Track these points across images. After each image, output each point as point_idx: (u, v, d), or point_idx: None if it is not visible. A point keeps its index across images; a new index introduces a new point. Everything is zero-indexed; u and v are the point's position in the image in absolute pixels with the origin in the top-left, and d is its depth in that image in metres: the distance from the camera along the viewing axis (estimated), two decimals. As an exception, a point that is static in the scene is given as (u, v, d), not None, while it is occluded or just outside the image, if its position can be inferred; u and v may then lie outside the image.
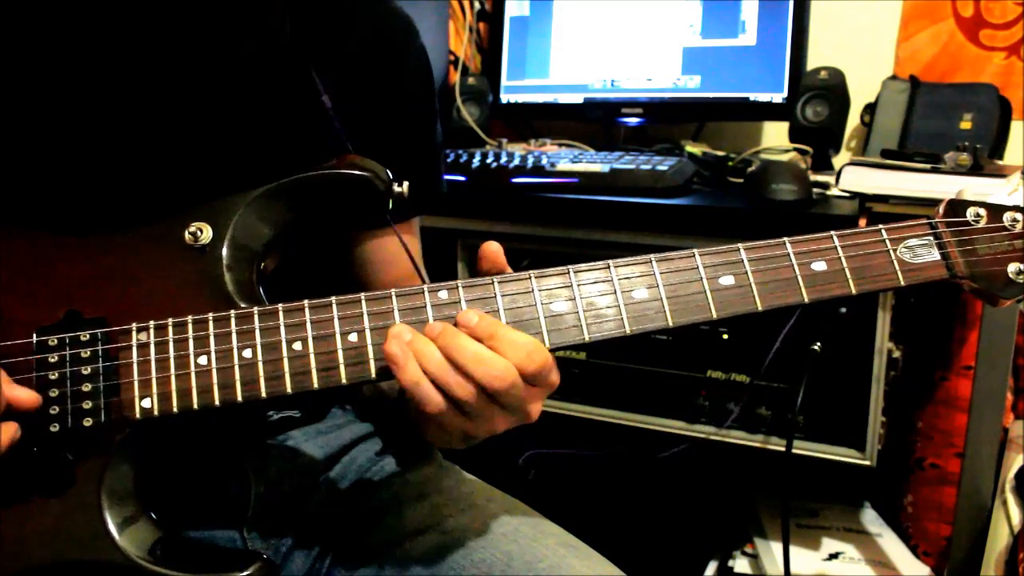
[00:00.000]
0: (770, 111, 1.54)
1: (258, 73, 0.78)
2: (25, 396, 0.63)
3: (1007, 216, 0.68)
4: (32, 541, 0.63)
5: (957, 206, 0.68)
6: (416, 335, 0.61)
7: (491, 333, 0.60)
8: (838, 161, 1.38)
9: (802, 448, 1.22)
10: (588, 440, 1.48)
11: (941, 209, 0.68)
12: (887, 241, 0.66)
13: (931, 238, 0.67)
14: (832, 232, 0.66)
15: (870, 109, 1.53)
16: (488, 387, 0.59)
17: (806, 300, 0.65)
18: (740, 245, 0.66)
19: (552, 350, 0.63)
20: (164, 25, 0.76)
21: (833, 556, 1.42)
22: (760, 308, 0.65)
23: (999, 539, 1.18)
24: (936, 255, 0.67)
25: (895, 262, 0.66)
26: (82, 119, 0.73)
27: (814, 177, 1.31)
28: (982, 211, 0.68)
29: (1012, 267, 0.67)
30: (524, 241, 1.29)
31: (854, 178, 1.16)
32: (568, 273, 0.65)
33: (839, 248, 0.66)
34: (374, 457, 0.87)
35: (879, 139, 1.48)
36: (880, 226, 0.67)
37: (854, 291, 0.65)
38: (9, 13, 0.73)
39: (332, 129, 0.78)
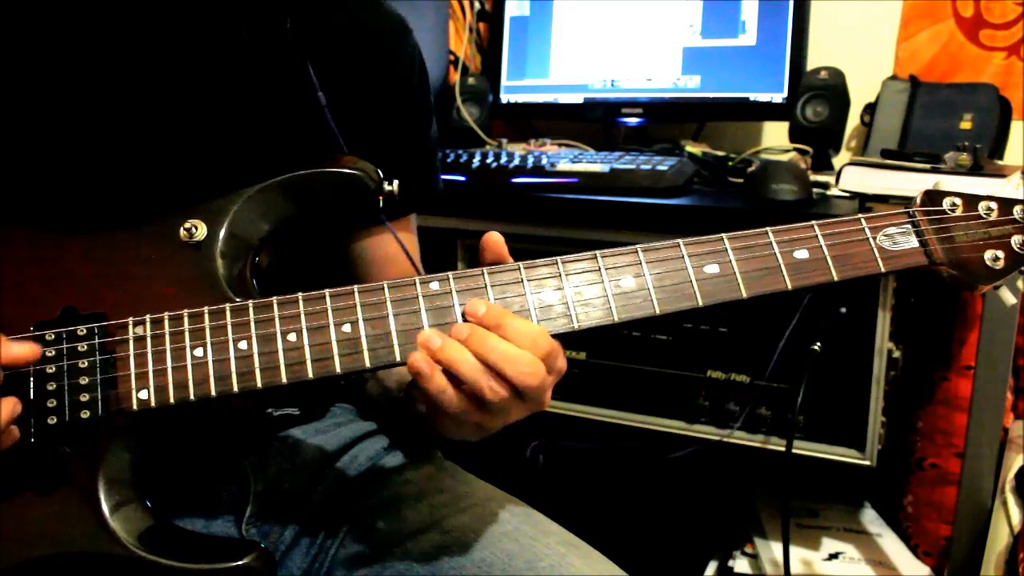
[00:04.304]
0: (770, 111, 1.54)
1: (256, 67, 0.78)
2: (25, 350, 0.62)
3: (982, 205, 0.70)
4: (30, 535, 0.64)
5: (934, 196, 0.71)
6: (447, 341, 0.62)
7: (498, 323, 0.62)
8: (838, 161, 1.38)
9: (802, 448, 1.21)
10: (588, 440, 1.48)
11: (918, 198, 0.71)
12: (867, 229, 0.69)
13: (909, 226, 0.69)
14: (813, 222, 0.68)
15: (870, 109, 1.53)
16: (521, 386, 0.61)
17: (789, 287, 0.67)
18: (724, 235, 0.67)
19: None
20: (162, 18, 0.76)
21: (833, 556, 1.41)
22: (745, 295, 0.66)
23: (999, 539, 1.18)
24: (915, 243, 0.69)
25: (875, 249, 0.68)
26: (78, 116, 0.74)
27: (814, 177, 1.31)
28: (957, 200, 0.71)
29: (989, 254, 0.69)
30: (524, 241, 1.29)
31: (854, 178, 1.16)
32: (556, 263, 0.66)
33: (820, 237, 0.68)
34: (374, 456, 0.87)
35: (879, 139, 1.48)
36: (860, 215, 0.69)
37: (836, 278, 0.67)
38: (9, 12, 0.73)
39: (327, 126, 0.78)
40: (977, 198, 0.71)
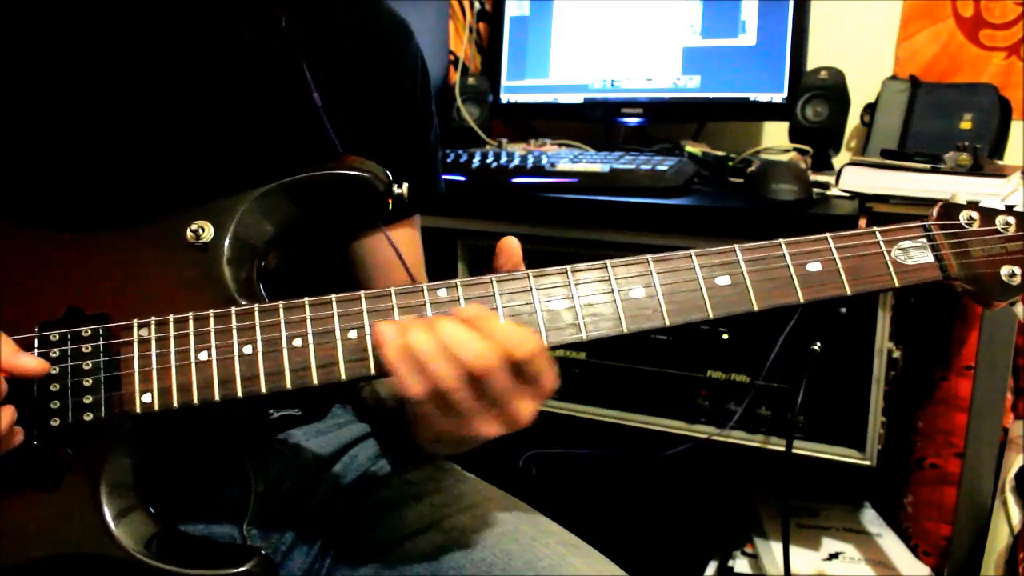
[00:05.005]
0: (770, 111, 1.54)
1: (257, 66, 0.78)
2: (34, 364, 0.63)
3: (1000, 220, 0.69)
4: (31, 536, 0.63)
5: (951, 209, 0.69)
6: (412, 319, 0.62)
7: (484, 326, 0.60)
8: (838, 161, 1.38)
9: (802, 448, 1.22)
10: (588, 440, 1.48)
11: (935, 212, 0.69)
12: (881, 243, 0.67)
13: (925, 240, 0.68)
14: (827, 234, 0.67)
15: (870, 109, 1.53)
16: (467, 366, 0.58)
17: (801, 300, 0.66)
18: (736, 246, 0.66)
19: (551, 348, 0.63)
20: (164, 19, 0.76)
21: (833, 556, 1.42)
22: (756, 308, 0.66)
23: (999, 539, 1.18)
24: (930, 257, 0.68)
25: (889, 263, 0.67)
26: (83, 116, 0.74)
27: (814, 177, 1.31)
28: (975, 214, 0.69)
29: (1005, 269, 0.68)
30: (524, 241, 1.25)
31: (854, 178, 1.16)
32: (566, 273, 0.65)
33: (834, 249, 0.67)
34: (374, 456, 0.87)
35: (879, 139, 1.48)
36: (875, 228, 0.68)
37: (849, 292, 0.66)
38: (10, 11, 0.73)
39: (322, 127, 0.78)
40: (995, 212, 0.69)
